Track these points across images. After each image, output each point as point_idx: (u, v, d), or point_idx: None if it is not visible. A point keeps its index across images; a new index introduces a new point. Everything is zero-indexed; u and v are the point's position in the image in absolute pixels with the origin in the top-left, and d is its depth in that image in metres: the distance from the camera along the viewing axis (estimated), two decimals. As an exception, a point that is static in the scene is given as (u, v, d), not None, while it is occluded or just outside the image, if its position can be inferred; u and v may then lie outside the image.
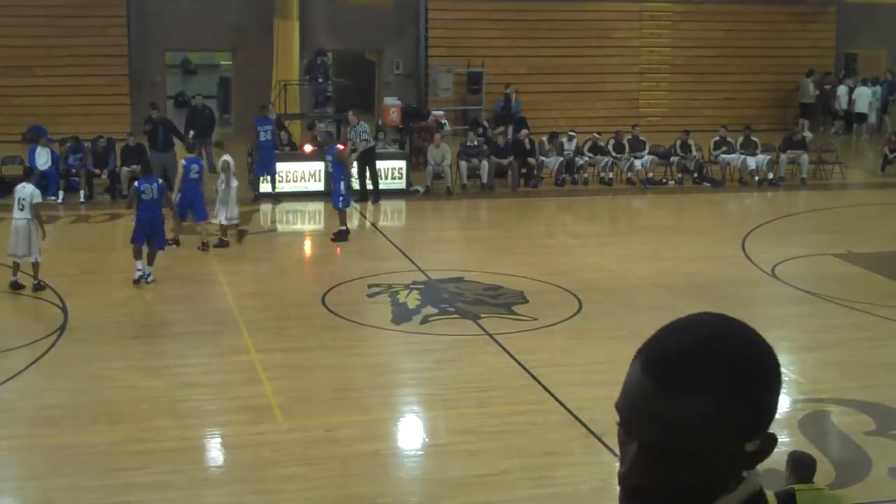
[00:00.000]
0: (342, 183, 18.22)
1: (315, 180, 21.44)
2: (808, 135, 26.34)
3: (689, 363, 1.53)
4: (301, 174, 21.60)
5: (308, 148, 21.84)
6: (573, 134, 23.90)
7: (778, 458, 10.02)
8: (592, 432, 10.31)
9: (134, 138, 21.50)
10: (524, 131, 23.77)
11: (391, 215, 21.26)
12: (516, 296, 15.03)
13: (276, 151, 21.60)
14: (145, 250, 15.13)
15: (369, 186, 21.24)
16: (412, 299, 14.79)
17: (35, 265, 14.60)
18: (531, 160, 22.99)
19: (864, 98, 30.13)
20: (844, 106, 30.46)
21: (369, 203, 21.15)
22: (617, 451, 1.64)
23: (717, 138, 24.15)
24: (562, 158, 23.22)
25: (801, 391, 11.87)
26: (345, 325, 13.77)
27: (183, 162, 17.63)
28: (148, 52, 27.67)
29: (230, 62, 30.82)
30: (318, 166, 21.29)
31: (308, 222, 20.59)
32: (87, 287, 15.19)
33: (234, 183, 17.75)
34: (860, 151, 28.78)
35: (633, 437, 1.56)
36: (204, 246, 17.10)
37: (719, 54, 30.49)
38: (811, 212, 21.92)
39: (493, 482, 9.48)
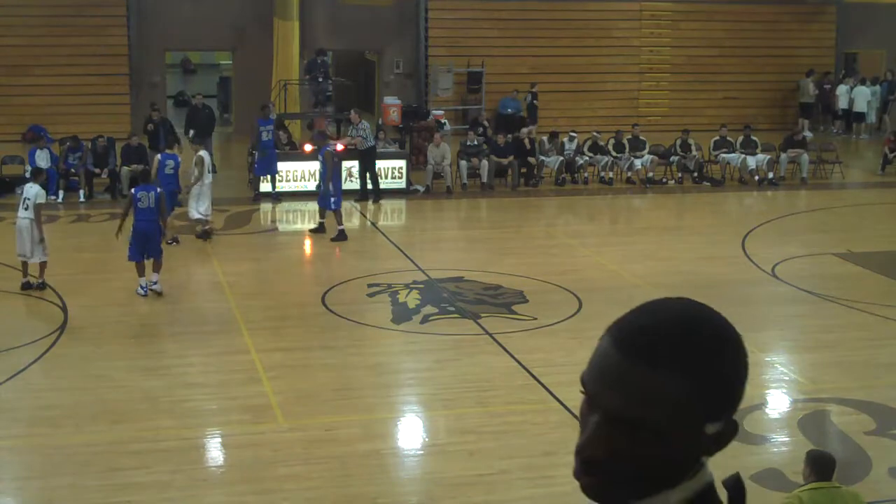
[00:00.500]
0: (331, 184, 18.25)
1: (315, 180, 21.42)
2: (808, 134, 26.35)
3: (662, 341, 1.56)
4: (301, 174, 21.61)
5: (308, 147, 21.84)
6: (574, 134, 23.91)
7: (778, 458, 10.04)
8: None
9: (136, 138, 21.51)
10: (524, 130, 23.78)
11: (391, 215, 21.26)
12: (516, 295, 15.03)
13: (277, 151, 21.61)
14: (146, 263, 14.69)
15: (369, 186, 21.24)
16: (412, 299, 14.79)
17: (42, 265, 14.57)
18: (531, 160, 22.99)
19: (863, 98, 30.13)
20: (844, 106, 30.46)
21: (369, 203, 21.16)
22: None
23: (717, 138, 24.16)
24: (562, 158, 23.23)
25: (801, 391, 11.86)
26: (345, 324, 13.77)
27: (158, 157, 18.20)
28: (148, 52, 27.68)
29: (230, 62, 30.82)
30: (318, 166, 21.29)
31: (308, 222, 20.54)
32: (87, 287, 15.19)
33: (208, 179, 18.00)
34: (860, 151, 28.78)
35: (597, 410, 1.58)
36: (175, 241, 17.28)
37: (719, 54, 30.50)
38: (811, 211, 21.92)
39: (493, 482, 9.48)
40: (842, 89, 30.38)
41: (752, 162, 23.46)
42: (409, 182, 22.10)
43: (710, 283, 15.71)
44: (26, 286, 14.73)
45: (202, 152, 18.21)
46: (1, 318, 14.04)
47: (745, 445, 10.26)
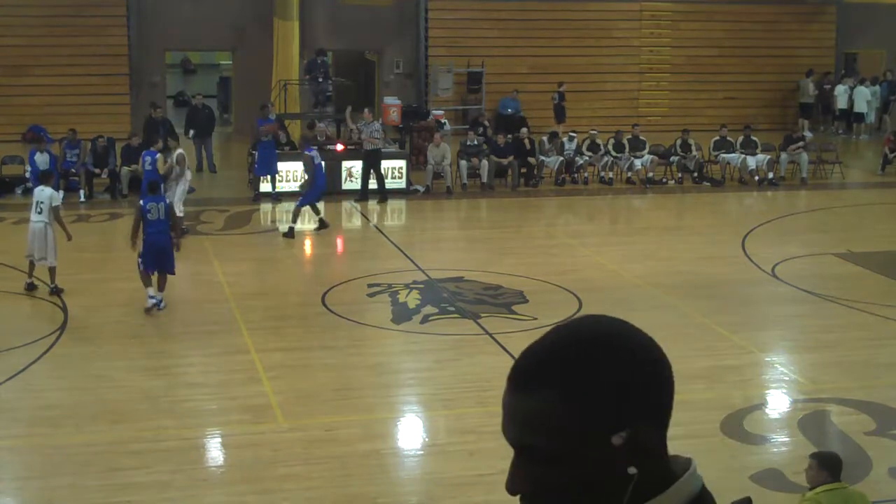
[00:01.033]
0: (307, 184, 18.91)
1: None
2: (808, 134, 26.33)
3: (532, 364, 1.57)
4: (301, 174, 21.58)
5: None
6: (573, 134, 23.92)
7: (778, 458, 10.04)
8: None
9: (136, 138, 21.51)
10: (524, 130, 23.79)
11: (391, 215, 21.26)
12: (516, 295, 15.03)
13: (277, 151, 21.61)
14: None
15: (372, 187, 21.22)
16: (412, 299, 14.79)
17: (52, 270, 14.45)
18: (531, 160, 22.99)
19: (863, 98, 30.13)
20: (842, 106, 30.46)
21: (370, 203, 21.15)
22: None
23: (717, 138, 24.16)
24: (562, 158, 23.23)
25: (801, 391, 11.87)
26: (345, 324, 13.77)
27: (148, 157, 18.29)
28: (148, 52, 27.68)
29: (230, 62, 30.82)
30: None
31: (308, 222, 20.54)
32: (87, 287, 15.19)
33: (188, 175, 18.26)
34: (860, 151, 28.78)
35: (510, 445, 1.59)
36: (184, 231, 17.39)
37: (719, 54, 30.50)
38: (811, 211, 21.92)
39: (493, 482, 9.47)
40: (840, 89, 30.38)
41: (752, 162, 23.46)
42: (409, 182, 22.10)
43: (710, 283, 15.72)
44: (30, 287, 14.65)
45: (180, 150, 18.53)
46: (1, 318, 14.04)
47: (745, 445, 10.26)
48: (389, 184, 21.65)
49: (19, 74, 26.28)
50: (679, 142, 23.85)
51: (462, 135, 25.12)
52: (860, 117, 30.33)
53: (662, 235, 19.33)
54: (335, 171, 21.25)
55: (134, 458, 9.79)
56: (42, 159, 20.11)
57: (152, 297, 13.85)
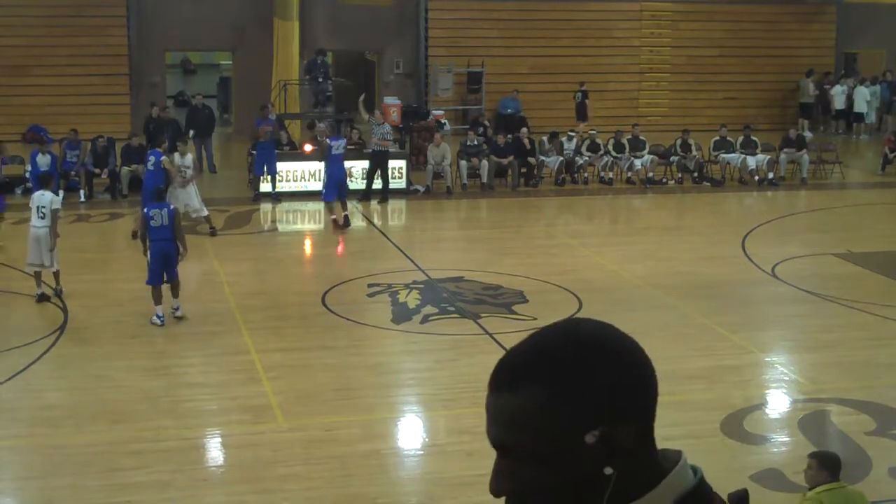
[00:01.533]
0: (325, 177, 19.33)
1: (315, 180, 21.43)
2: (808, 134, 26.32)
3: (508, 366, 1.59)
4: (301, 174, 21.61)
5: (308, 147, 21.86)
6: (573, 134, 23.92)
7: (778, 458, 10.04)
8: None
9: (136, 138, 21.51)
10: (524, 130, 23.79)
11: (391, 215, 21.26)
12: (516, 295, 15.03)
13: (276, 151, 21.61)
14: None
15: (376, 186, 21.23)
16: (412, 299, 14.79)
17: (56, 274, 14.31)
18: (531, 160, 23.00)
19: (863, 98, 30.13)
20: (840, 106, 30.46)
21: (372, 203, 21.16)
22: None
23: (717, 138, 24.16)
24: (562, 158, 23.23)
25: (801, 391, 11.86)
26: (345, 324, 13.77)
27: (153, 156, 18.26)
28: (148, 52, 27.69)
29: (230, 62, 30.83)
30: (318, 166, 21.30)
31: (308, 222, 20.60)
32: (87, 287, 15.19)
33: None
34: (860, 151, 28.79)
35: (492, 446, 1.60)
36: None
37: (719, 54, 30.50)
38: (811, 211, 21.92)
39: (493, 482, 9.47)
40: (837, 90, 30.38)
41: (752, 162, 23.46)
42: (409, 182, 22.11)
43: (710, 283, 15.72)
44: (42, 298, 14.30)
45: (189, 154, 18.82)
46: (1, 318, 14.04)
47: (745, 445, 10.26)
48: (390, 184, 21.64)
49: (19, 74, 26.29)
50: (679, 142, 23.86)
51: (462, 135, 25.13)
52: (860, 117, 30.33)
53: (662, 235, 19.33)
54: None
55: (134, 458, 9.79)
56: (44, 160, 20.11)
57: (160, 317, 13.44)
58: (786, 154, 23.96)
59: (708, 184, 23.50)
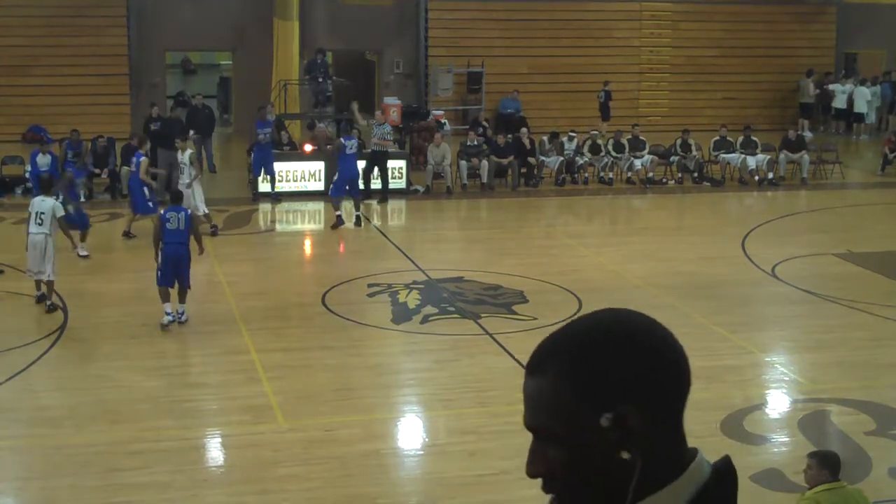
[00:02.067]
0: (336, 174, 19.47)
1: (315, 180, 21.45)
2: (808, 134, 26.31)
3: (539, 350, 1.65)
4: (301, 174, 21.61)
5: (308, 147, 21.88)
6: (573, 134, 23.92)
7: (778, 458, 10.04)
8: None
9: (137, 139, 21.47)
10: (524, 130, 23.79)
11: (391, 215, 21.26)
12: (516, 295, 15.03)
13: (276, 151, 21.59)
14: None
15: (375, 186, 21.23)
16: (412, 299, 14.78)
17: (50, 284, 13.98)
18: (531, 160, 22.99)
19: (863, 98, 30.13)
20: (840, 105, 30.46)
21: (373, 203, 21.16)
22: None
23: (717, 138, 24.16)
24: (562, 158, 23.23)
25: (801, 391, 11.87)
26: (345, 325, 13.77)
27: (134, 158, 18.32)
28: (148, 52, 27.68)
29: (230, 62, 30.82)
30: (318, 166, 21.33)
31: (308, 222, 20.61)
32: (86, 287, 15.19)
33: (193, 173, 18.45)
34: (860, 151, 28.79)
35: (526, 429, 1.66)
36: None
37: (719, 54, 30.50)
38: (811, 211, 21.92)
39: (493, 482, 9.48)
40: (838, 88, 30.36)
41: (752, 162, 23.46)
42: (409, 182, 22.11)
43: (710, 283, 15.72)
44: (42, 299, 14.19)
45: (190, 151, 18.93)
46: (1, 319, 14.04)
47: (745, 445, 10.26)
48: (390, 184, 21.65)
49: (19, 74, 26.28)
50: (679, 142, 23.86)
51: (462, 135, 25.12)
52: (860, 117, 30.33)
53: (662, 236, 19.33)
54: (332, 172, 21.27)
55: (134, 458, 9.79)
56: (44, 160, 20.10)
57: (169, 314, 13.35)
58: (785, 154, 23.95)
59: (708, 184, 23.50)
